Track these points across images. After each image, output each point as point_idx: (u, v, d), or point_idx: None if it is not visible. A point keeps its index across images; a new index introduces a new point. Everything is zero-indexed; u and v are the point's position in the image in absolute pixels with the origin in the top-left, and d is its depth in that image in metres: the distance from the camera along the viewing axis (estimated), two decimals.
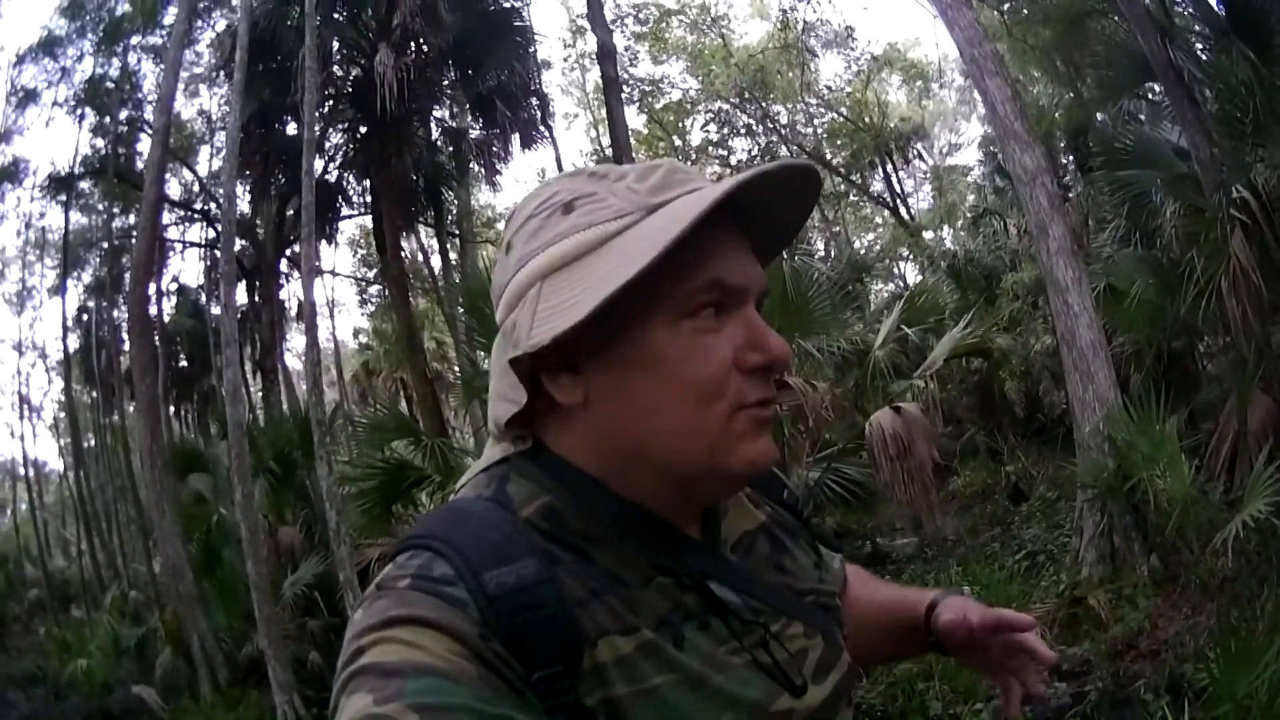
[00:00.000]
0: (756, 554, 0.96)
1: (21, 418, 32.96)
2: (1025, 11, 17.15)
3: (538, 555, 0.77)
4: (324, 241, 17.82)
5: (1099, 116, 13.42)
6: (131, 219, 20.44)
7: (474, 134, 15.94)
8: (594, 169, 0.89)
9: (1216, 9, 8.17)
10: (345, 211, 17.32)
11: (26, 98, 21.53)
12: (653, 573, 0.84)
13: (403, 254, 16.82)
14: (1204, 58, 8.19)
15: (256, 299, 19.73)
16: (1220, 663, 4.04)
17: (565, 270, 0.82)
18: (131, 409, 19.60)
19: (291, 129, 14.39)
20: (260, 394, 20.81)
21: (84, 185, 22.82)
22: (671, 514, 0.86)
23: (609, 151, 18.43)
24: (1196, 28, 8.65)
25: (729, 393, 0.82)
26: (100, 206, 22.80)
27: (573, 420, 0.85)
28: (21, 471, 32.43)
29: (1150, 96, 10.18)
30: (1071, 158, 17.44)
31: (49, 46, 20.86)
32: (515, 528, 0.79)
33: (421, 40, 13.29)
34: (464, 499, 0.86)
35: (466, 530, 0.78)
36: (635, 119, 25.24)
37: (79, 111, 21.04)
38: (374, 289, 27.42)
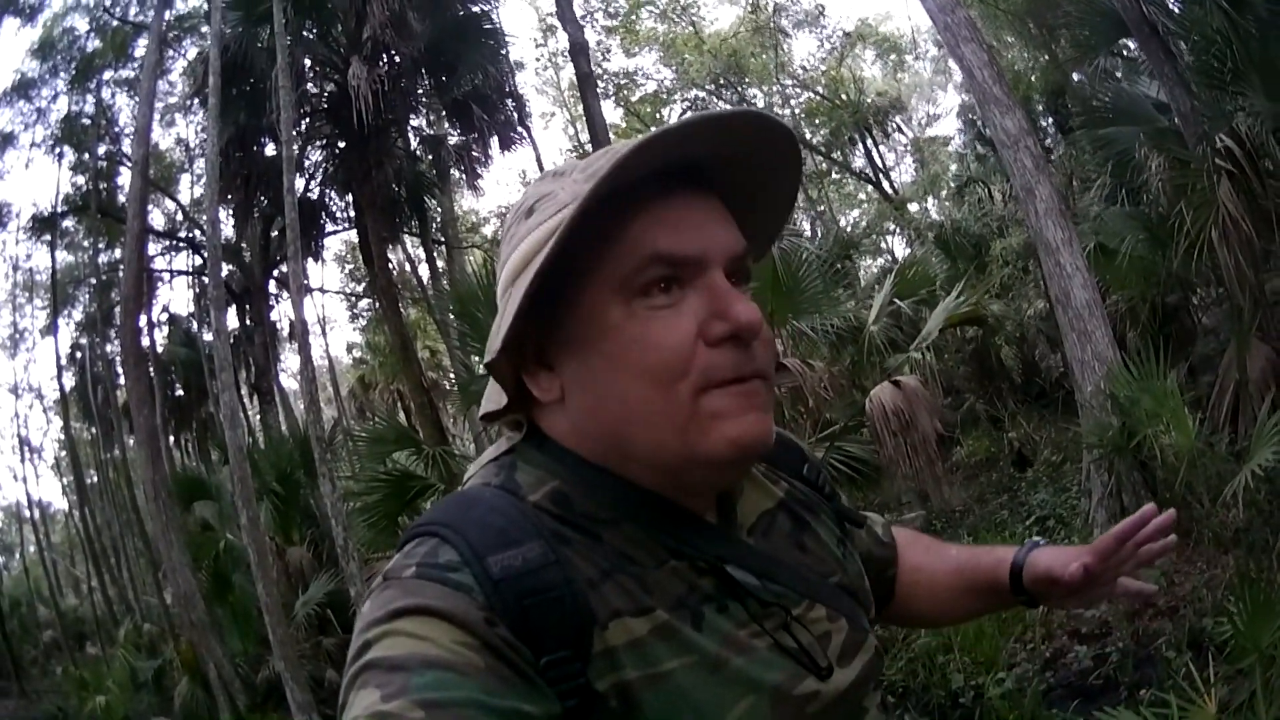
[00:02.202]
0: (776, 534, 0.94)
1: (23, 460, 33.13)
2: None
3: (545, 538, 0.77)
4: (311, 259, 17.68)
5: (1075, 76, 13.44)
6: (117, 253, 20.46)
7: (452, 140, 15.88)
8: (558, 167, 0.89)
9: None
10: (330, 227, 17.19)
11: (4, 141, 21.56)
12: (666, 556, 0.82)
13: (390, 265, 16.73)
14: (1177, 10, 8.15)
15: (248, 322, 19.68)
16: (1242, 615, 4.01)
17: (524, 273, 0.81)
18: (131, 442, 19.57)
19: (270, 149, 14.30)
20: (258, 416, 20.79)
21: (68, 223, 22.93)
22: (680, 498, 0.85)
23: (589, 147, 18.38)
24: None
25: (693, 370, 0.78)
26: (85, 243, 22.88)
27: (558, 415, 0.86)
28: (27, 513, 32.51)
29: (1126, 53, 10.14)
30: (1051, 120, 17.46)
31: (23, 89, 20.91)
32: (522, 512, 0.79)
33: (393, 51, 13.22)
34: (471, 487, 0.87)
35: (471, 516, 0.79)
36: (612, 113, 25.32)
37: (57, 150, 21.15)
38: (364, 303, 27.42)
